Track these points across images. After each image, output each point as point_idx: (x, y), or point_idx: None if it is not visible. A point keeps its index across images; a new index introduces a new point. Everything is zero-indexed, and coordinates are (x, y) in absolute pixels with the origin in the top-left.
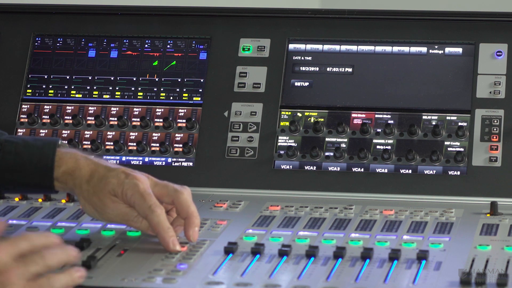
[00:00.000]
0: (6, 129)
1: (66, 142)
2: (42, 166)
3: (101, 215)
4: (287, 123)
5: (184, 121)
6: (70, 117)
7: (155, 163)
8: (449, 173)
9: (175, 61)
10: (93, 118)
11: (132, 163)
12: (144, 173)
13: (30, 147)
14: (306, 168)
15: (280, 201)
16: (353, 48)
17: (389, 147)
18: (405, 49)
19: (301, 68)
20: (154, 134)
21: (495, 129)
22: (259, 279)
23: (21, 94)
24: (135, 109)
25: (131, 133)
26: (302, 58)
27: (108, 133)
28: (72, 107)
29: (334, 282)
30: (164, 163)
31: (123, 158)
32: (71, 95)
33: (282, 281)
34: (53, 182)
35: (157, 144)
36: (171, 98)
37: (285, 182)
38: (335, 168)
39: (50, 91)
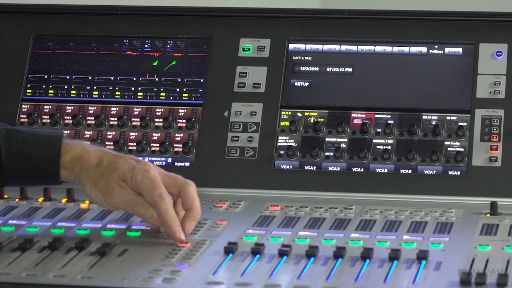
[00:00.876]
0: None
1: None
2: (49, 153)
3: (107, 200)
4: (287, 123)
5: (184, 121)
6: (70, 117)
7: (155, 163)
8: (449, 173)
9: (175, 61)
10: (93, 118)
11: None
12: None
13: (37, 135)
14: (306, 168)
15: (280, 201)
16: (353, 48)
17: (389, 147)
18: (405, 49)
19: (301, 68)
20: (154, 134)
21: (495, 129)
22: (259, 279)
23: (21, 94)
24: (135, 109)
25: (131, 133)
26: (302, 58)
27: (108, 133)
28: (72, 107)
29: (334, 282)
30: (164, 163)
31: None
32: (71, 95)
33: (282, 281)
34: (59, 169)
35: (157, 144)
36: (171, 98)
37: (285, 182)
38: (335, 168)
39: (50, 91)
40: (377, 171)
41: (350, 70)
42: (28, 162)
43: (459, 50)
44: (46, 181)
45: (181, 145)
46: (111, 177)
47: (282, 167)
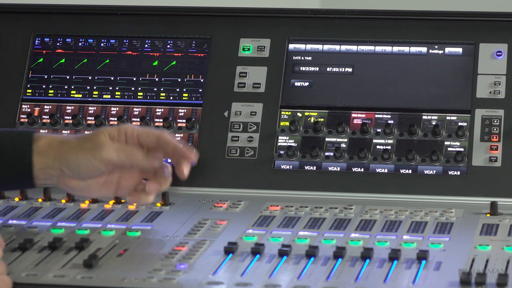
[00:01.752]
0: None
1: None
2: (22, 141)
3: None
4: (287, 123)
5: (184, 121)
6: (70, 117)
7: None
8: (449, 173)
9: (175, 61)
10: (93, 118)
11: None
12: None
13: (10, 130)
14: (306, 168)
15: (280, 201)
16: (353, 48)
17: (389, 147)
18: (405, 49)
19: (301, 68)
20: None
21: (495, 129)
22: (259, 279)
23: (21, 94)
24: (135, 109)
25: None
26: (302, 58)
27: None
28: (72, 107)
29: (334, 282)
30: None
31: None
32: (71, 95)
33: (282, 281)
34: (33, 156)
35: None
36: (171, 98)
37: (285, 182)
38: (335, 168)
39: (50, 91)
40: (377, 171)
41: (350, 70)
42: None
43: (459, 50)
44: (20, 174)
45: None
46: (93, 141)
47: (282, 167)
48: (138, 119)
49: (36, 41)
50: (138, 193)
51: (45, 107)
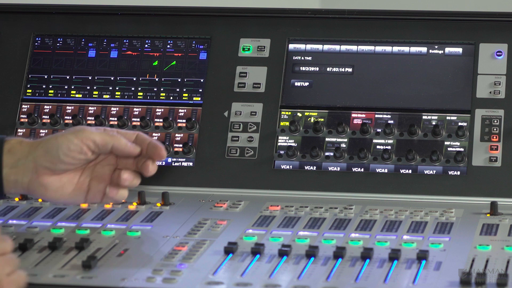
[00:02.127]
0: (6, 129)
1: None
2: None
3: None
4: (287, 123)
5: (184, 121)
6: (70, 117)
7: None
8: (449, 173)
9: (175, 61)
10: (93, 118)
11: None
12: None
13: None
14: (306, 168)
15: (280, 201)
16: (353, 48)
17: (389, 147)
18: (405, 49)
19: (301, 68)
20: (154, 134)
21: (495, 129)
22: (259, 279)
23: (21, 94)
24: (135, 109)
25: None
26: (302, 58)
27: None
28: (72, 107)
29: (334, 282)
30: (164, 163)
31: None
32: (71, 95)
33: (282, 281)
34: (3, 154)
35: None
36: (171, 98)
37: (285, 182)
38: (335, 168)
39: (50, 91)
40: (377, 171)
41: (350, 70)
42: None
43: (459, 50)
44: None
45: (181, 145)
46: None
47: (282, 167)
48: (138, 119)
49: (36, 41)
50: (116, 187)
51: (45, 107)
